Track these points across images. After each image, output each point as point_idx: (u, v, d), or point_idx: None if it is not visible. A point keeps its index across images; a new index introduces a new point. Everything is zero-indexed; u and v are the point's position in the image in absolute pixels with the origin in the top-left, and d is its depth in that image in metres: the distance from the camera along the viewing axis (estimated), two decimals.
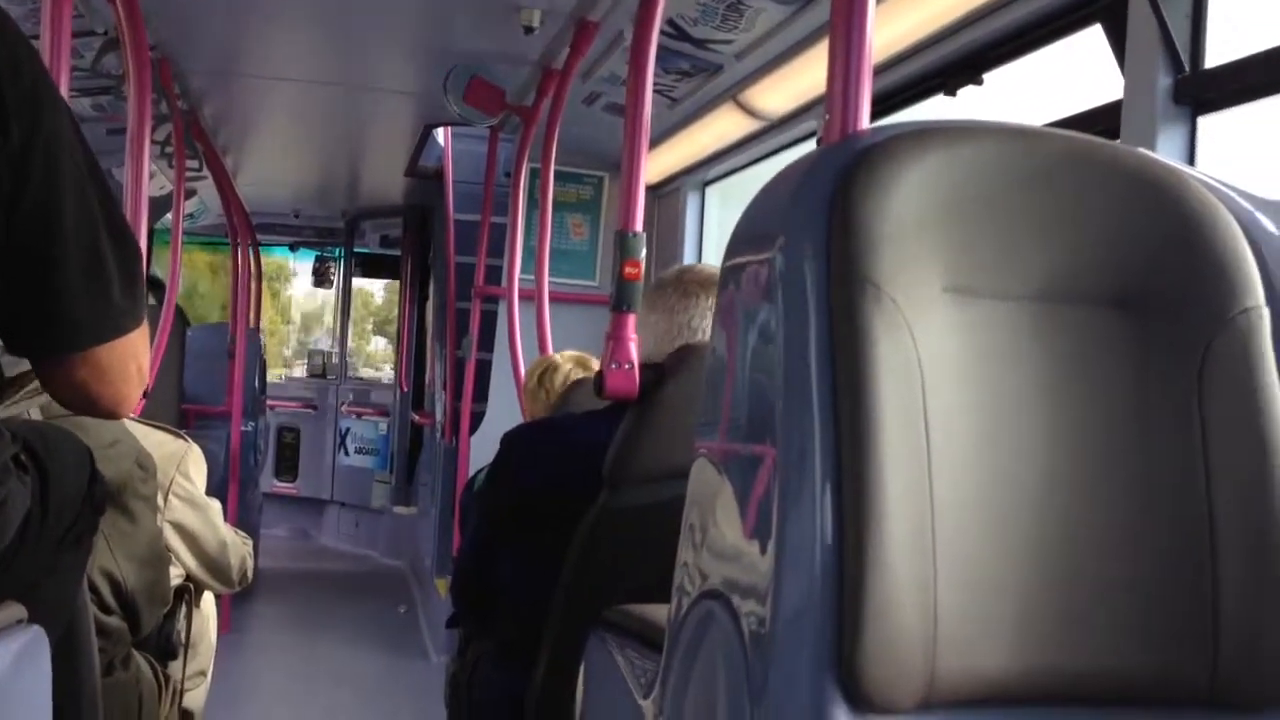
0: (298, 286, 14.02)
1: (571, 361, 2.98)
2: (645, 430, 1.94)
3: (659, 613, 1.36)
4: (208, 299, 11.25)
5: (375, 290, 13.54)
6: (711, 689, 1.14)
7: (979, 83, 2.74)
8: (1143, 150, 1.21)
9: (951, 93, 2.80)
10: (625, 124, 2.32)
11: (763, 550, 1.07)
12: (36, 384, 1.41)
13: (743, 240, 1.20)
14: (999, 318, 1.08)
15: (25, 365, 1.39)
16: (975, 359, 1.06)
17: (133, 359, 1.35)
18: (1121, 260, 1.10)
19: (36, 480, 1.36)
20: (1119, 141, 2.15)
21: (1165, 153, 2.05)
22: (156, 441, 2.41)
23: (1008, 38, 2.60)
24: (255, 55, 4.42)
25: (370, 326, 15.09)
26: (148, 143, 2.97)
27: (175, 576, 2.48)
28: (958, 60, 2.77)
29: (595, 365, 2.94)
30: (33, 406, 1.62)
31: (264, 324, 8.47)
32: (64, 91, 2.25)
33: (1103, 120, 2.27)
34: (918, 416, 1.03)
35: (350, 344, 10.21)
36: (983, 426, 1.06)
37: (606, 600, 1.72)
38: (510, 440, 2.18)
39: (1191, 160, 2.08)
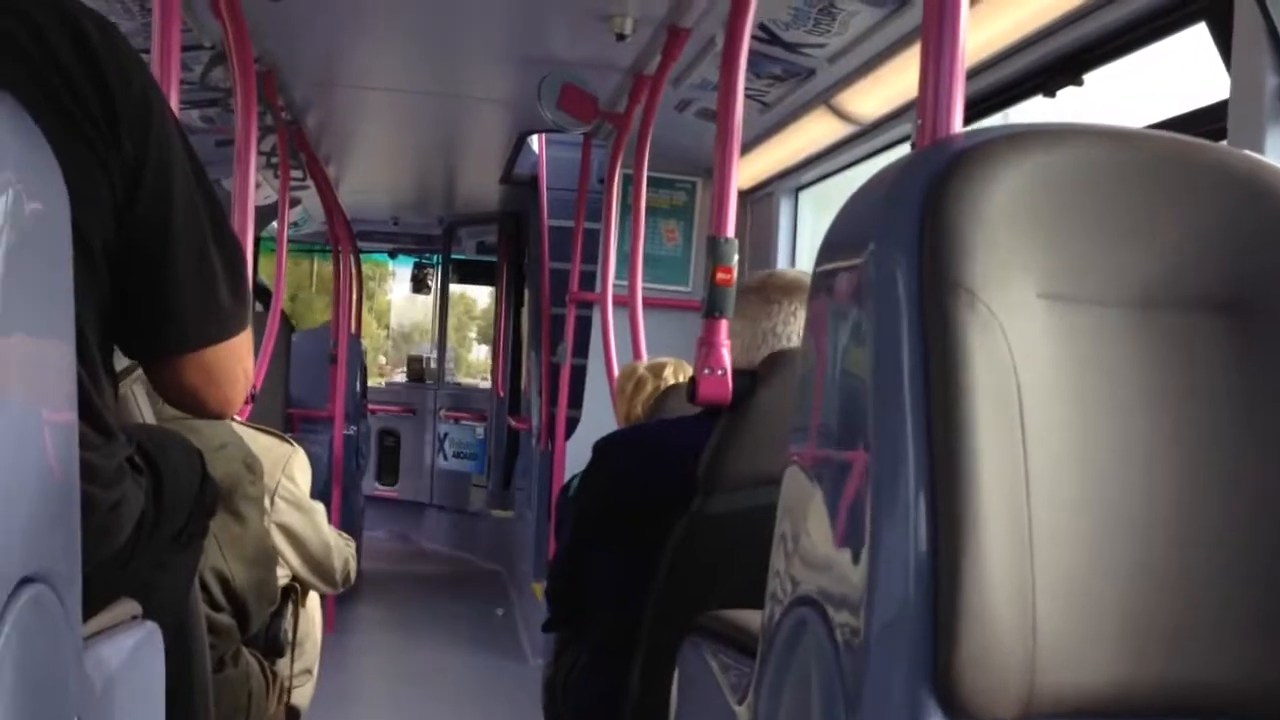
0: (397, 292, 14.21)
1: (648, 370, 3.00)
2: (738, 436, 1.94)
3: (753, 619, 1.36)
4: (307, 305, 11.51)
5: (479, 297, 13.63)
6: (805, 696, 1.14)
7: (1079, 83, 2.69)
8: (1249, 152, 1.18)
9: (1051, 94, 2.75)
10: (717, 129, 2.32)
11: (855, 558, 1.06)
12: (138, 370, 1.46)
13: (834, 246, 1.20)
14: (1097, 324, 1.06)
15: (127, 363, 1.45)
16: (1073, 366, 1.05)
17: (239, 361, 1.40)
18: (1226, 264, 1.08)
19: (151, 481, 1.40)
20: (1225, 142, 2.10)
21: (1275, 152, 1.99)
22: (263, 445, 2.48)
23: (1109, 37, 2.55)
24: (355, 67, 4.52)
25: (474, 334, 15.20)
26: (254, 154, 3.06)
27: (282, 577, 2.54)
28: (1057, 60, 2.73)
29: (669, 372, 2.95)
30: (135, 384, 1.69)
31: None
32: (173, 104, 2.32)
33: (1208, 121, 2.22)
34: (1014, 423, 1.01)
35: (451, 352, 10.35)
36: (1081, 434, 1.04)
37: (700, 606, 1.73)
38: (603, 448, 2.19)
39: None
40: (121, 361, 1.41)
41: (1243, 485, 1.05)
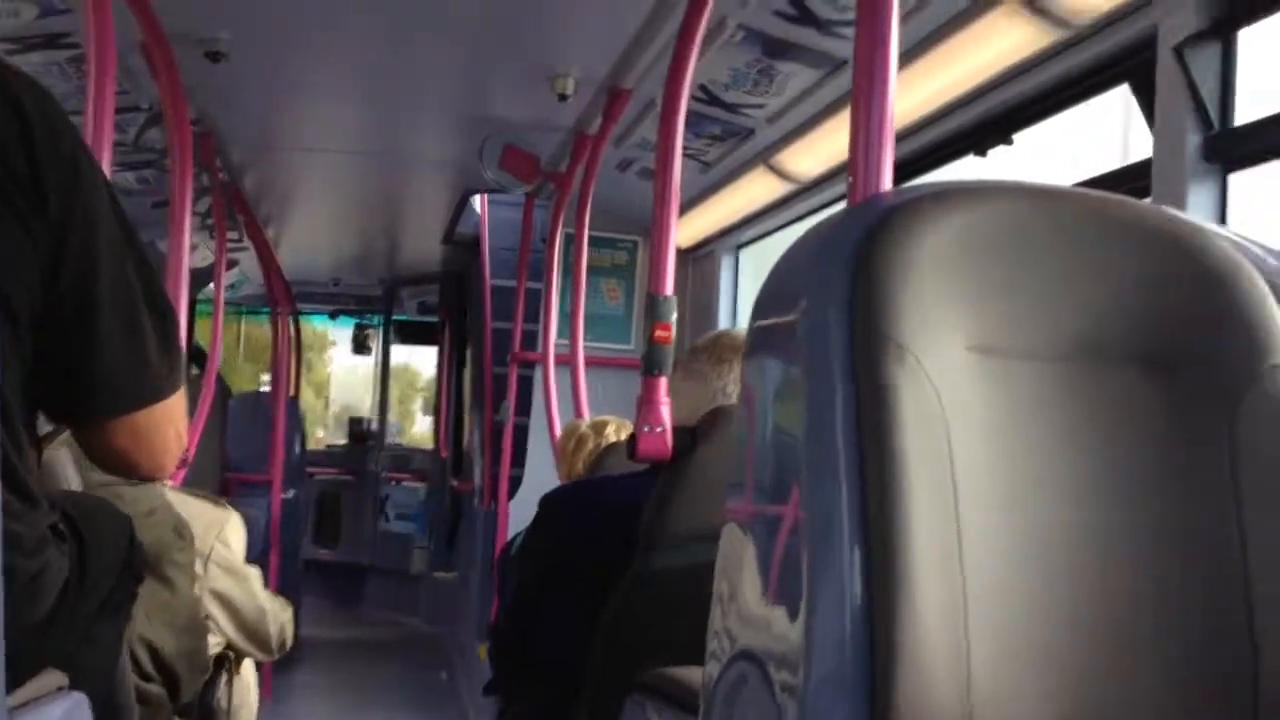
0: (338, 360, 14.03)
1: (589, 427, 3.01)
2: (678, 493, 1.94)
3: (695, 675, 1.35)
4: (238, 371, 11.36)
5: (424, 367, 13.45)
6: None
7: (1009, 143, 2.75)
8: (1166, 208, 1.21)
9: (982, 153, 2.81)
10: (655, 188, 2.34)
11: (792, 614, 1.06)
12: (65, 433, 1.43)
13: (768, 302, 1.21)
14: (1025, 376, 1.07)
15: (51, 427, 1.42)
16: (1002, 418, 1.06)
17: (170, 424, 1.38)
18: (1148, 318, 1.10)
19: (75, 549, 1.37)
20: (1150, 199, 2.15)
21: (1196, 210, 2.05)
22: (196, 510, 2.44)
23: (1038, 98, 2.62)
24: (295, 128, 4.52)
25: (418, 405, 15.03)
26: (189, 215, 3.04)
27: (215, 644, 2.49)
28: (988, 120, 2.79)
29: (611, 430, 2.95)
30: (62, 449, 1.65)
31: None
32: (107, 165, 2.31)
33: (1133, 178, 2.27)
34: (945, 476, 1.02)
35: (394, 425, 10.28)
36: (1012, 486, 1.05)
37: (643, 663, 1.71)
38: (547, 502, 2.19)
39: (1223, 217, 2.07)
40: (46, 426, 1.39)
41: (1169, 533, 1.07)
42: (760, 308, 1.21)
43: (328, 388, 15.06)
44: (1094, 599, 1.04)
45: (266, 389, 8.06)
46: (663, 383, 2.19)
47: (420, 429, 13.61)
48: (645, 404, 2.17)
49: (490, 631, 2.66)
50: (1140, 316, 1.10)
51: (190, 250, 3.15)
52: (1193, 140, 2.06)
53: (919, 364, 1.02)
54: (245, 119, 4.28)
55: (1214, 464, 1.07)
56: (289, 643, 2.80)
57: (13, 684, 1.18)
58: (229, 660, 2.61)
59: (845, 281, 1.05)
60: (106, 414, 1.33)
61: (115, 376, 1.31)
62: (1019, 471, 1.05)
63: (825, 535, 1.02)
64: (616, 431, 2.98)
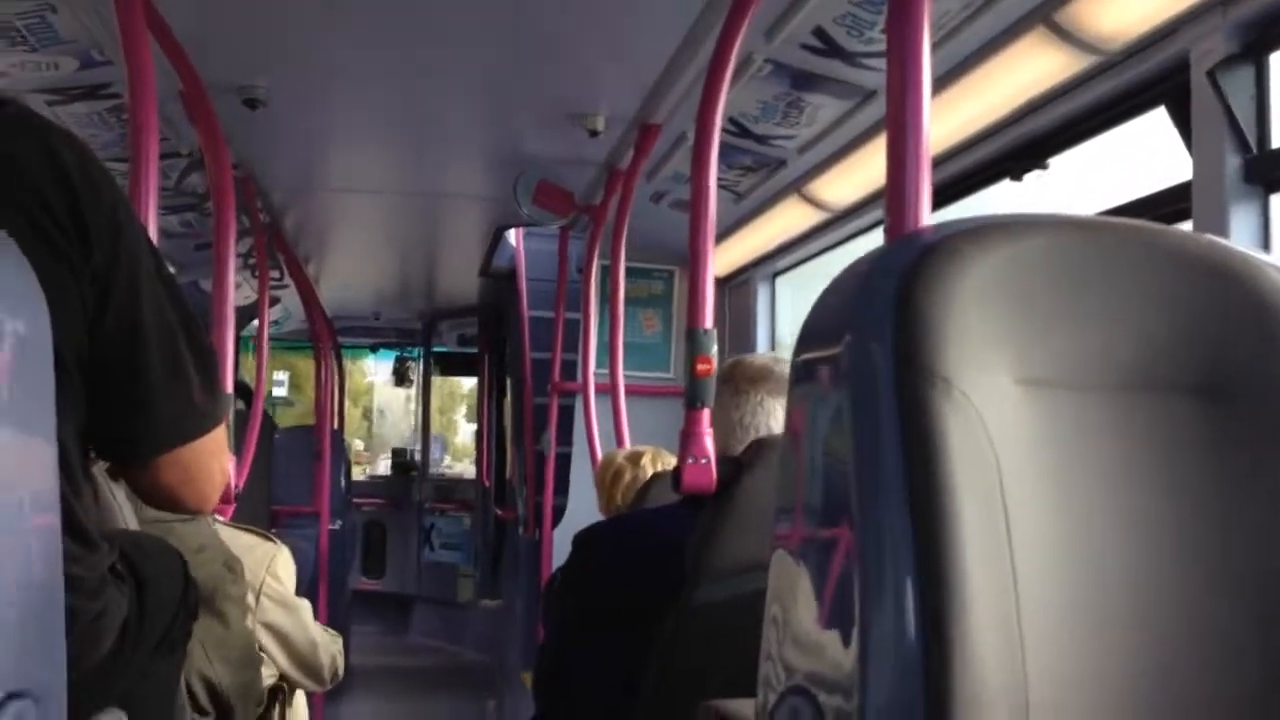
0: (381, 395, 14.12)
1: (626, 459, 3.01)
2: (725, 524, 1.95)
3: (747, 709, 1.35)
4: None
5: (466, 380, 13.55)
6: None
7: (1045, 167, 2.76)
8: (1209, 236, 1.22)
9: (1017, 178, 2.82)
10: (690, 223, 2.36)
11: (846, 641, 1.07)
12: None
13: (811, 336, 1.22)
14: (1073, 408, 1.08)
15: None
16: (1052, 450, 1.06)
17: (214, 457, 1.42)
18: (1196, 348, 1.10)
19: (133, 588, 1.40)
20: (1190, 222, 2.14)
21: (1239, 231, 2.04)
22: (246, 544, 2.47)
23: (1072, 122, 2.62)
24: (332, 170, 4.59)
25: (462, 414, 15.09)
26: (232, 256, 3.09)
27: (268, 676, 2.52)
28: (1023, 146, 2.79)
29: (648, 460, 2.96)
30: (116, 487, 1.69)
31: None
32: (151, 210, 2.36)
33: (1173, 201, 2.27)
34: (997, 509, 1.03)
35: (438, 440, 10.32)
36: (1064, 518, 1.05)
37: (694, 697, 1.71)
38: (582, 541, 2.19)
39: (1266, 238, 2.07)
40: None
41: (1225, 564, 1.06)
42: (804, 340, 1.23)
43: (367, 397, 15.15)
44: (1150, 629, 1.04)
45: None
46: (705, 415, 2.20)
47: (465, 439, 13.63)
48: (689, 436, 2.18)
49: (535, 663, 2.67)
50: (1189, 346, 1.10)
51: (234, 289, 3.21)
52: (1232, 162, 2.05)
53: (965, 397, 1.03)
54: (284, 162, 4.35)
55: (1269, 494, 1.07)
56: (340, 673, 2.83)
57: None
58: (283, 692, 2.63)
59: (889, 317, 1.06)
60: (153, 452, 1.37)
61: (161, 415, 1.35)
62: (1070, 502, 1.05)
63: (878, 565, 1.03)
64: (653, 462, 2.99)
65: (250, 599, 2.38)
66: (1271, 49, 2.05)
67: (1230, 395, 1.09)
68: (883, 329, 1.07)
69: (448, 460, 10.63)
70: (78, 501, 1.27)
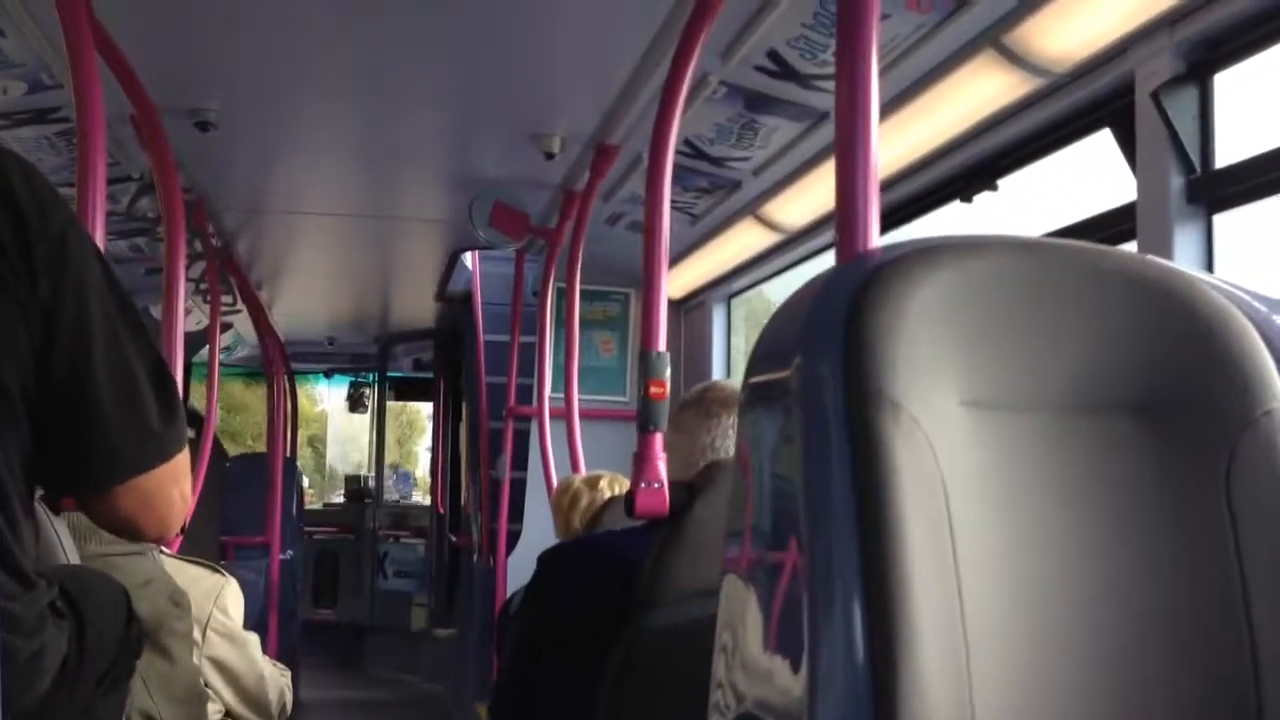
0: (335, 422, 13.96)
1: (585, 484, 3.00)
2: (677, 548, 1.94)
3: None
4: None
5: (425, 405, 13.42)
6: None
7: (994, 188, 2.78)
8: (1152, 257, 1.23)
9: (967, 199, 2.84)
10: (644, 244, 2.36)
11: (794, 669, 1.06)
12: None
13: (762, 358, 1.22)
14: (1019, 429, 1.08)
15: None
16: (998, 471, 1.06)
17: (175, 484, 1.38)
18: (1138, 368, 1.11)
19: (73, 625, 1.37)
20: (1135, 242, 2.17)
21: (1183, 251, 2.07)
22: (193, 576, 2.42)
23: (1020, 144, 2.65)
24: (285, 192, 4.55)
25: (425, 445, 14.95)
26: (182, 281, 3.05)
27: (214, 713, 2.47)
28: (973, 167, 2.82)
29: (605, 485, 2.95)
30: (58, 522, 1.65)
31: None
32: (100, 235, 2.32)
33: (1118, 222, 2.30)
34: (943, 531, 1.02)
35: (396, 475, 10.24)
36: (1010, 539, 1.05)
37: None
38: (545, 560, 2.18)
39: (1210, 257, 2.09)
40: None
41: (1168, 581, 1.07)
42: (754, 363, 1.22)
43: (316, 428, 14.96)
44: (1095, 649, 1.04)
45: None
46: (658, 439, 2.19)
47: (423, 473, 13.55)
48: (642, 460, 2.17)
49: (492, 691, 2.63)
50: (1133, 366, 1.11)
51: (185, 315, 3.16)
52: (1176, 183, 2.08)
53: (913, 420, 1.03)
54: (236, 185, 4.31)
55: (1211, 511, 1.08)
56: (289, 708, 2.78)
57: None
58: None
59: (838, 339, 1.06)
60: (110, 482, 1.33)
61: (118, 445, 1.31)
62: (1016, 522, 1.06)
63: (826, 588, 1.03)
64: (610, 485, 2.97)
65: (197, 634, 2.34)
66: (1216, 69, 2.08)
67: (1171, 415, 1.10)
68: (832, 351, 1.07)
69: (416, 496, 10.49)
70: (15, 538, 1.24)
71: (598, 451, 3.95)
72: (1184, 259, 2.04)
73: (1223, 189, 2.07)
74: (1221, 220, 2.09)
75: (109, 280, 1.33)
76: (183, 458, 1.39)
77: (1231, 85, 2.09)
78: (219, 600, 2.48)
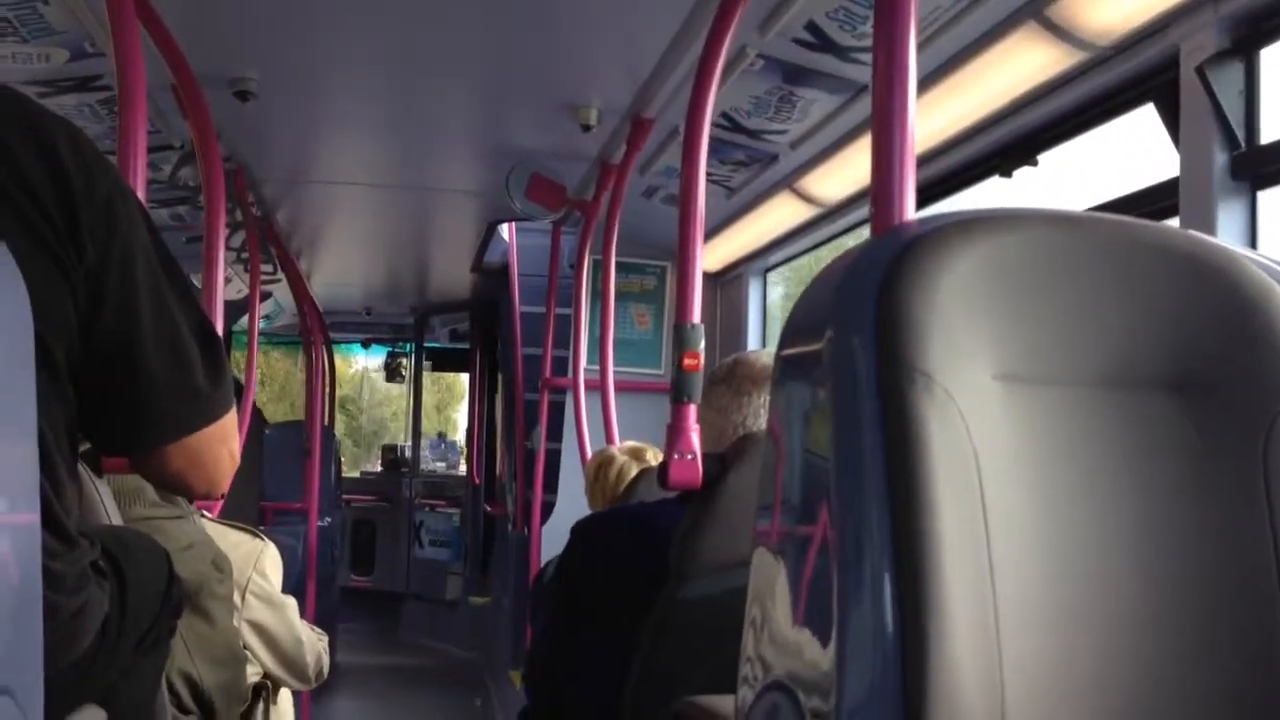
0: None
1: (627, 454, 3.00)
2: (710, 520, 1.94)
3: (729, 704, 1.35)
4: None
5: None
6: None
7: (1034, 164, 2.75)
8: (1193, 232, 1.21)
9: (1007, 174, 2.82)
10: (680, 217, 2.35)
11: (824, 640, 1.06)
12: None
13: (795, 330, 1.22)
14: (1053, 404, 1.08)
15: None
16: (1031, 446, 1.06)
17: (223, 443, 1.41)
18: (1176, 344, 1.10)
19: (115, 585, 1.39)
20: (1178, 218, 2.14)
21: (1226, 228, 2.04)
22: (233, 541, 2.46)
23: (1062, 119, 2.62)
24: (324, 163, 4.57)
25: (464, 411, 14.99)
26: (222, 250, 3.08)
27: (252, 674, 2.51)
28: (1012, 142, 2.79)
29: (650, 456, 2.95)
30: (101, 484, 1.68)
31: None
32: (141, 203, 2.34)
33: (1161, 198, 2.27)
34: (975, 505, 1.02)
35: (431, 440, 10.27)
36: (1042, 513, 1.05)
37: (676, 692, 1.71)
38: (579, 531, 2.19)
39: (1253, 234, 2.07)
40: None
41: (1202, 557, 1.06)
42: (788, 335, 1.22)
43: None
44: (1127, 624, 1.04)
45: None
46: (692, 410, 2.19)
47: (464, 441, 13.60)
48: (675, 431, 2.18)
49: (525, 659, 2.66)
50: (1169, 341, 1.10)
51: (225, 284, 3.19)
52: (1219, 159, 2.05)
53: (946, 393, 1.03)
54: (276, 155, 4.33)
55: (1246, 488, 1.07)
56: (325, 672, 2.82)
57: None
58: (266, 690, 2.62)
59: (871, 311, 1.06)
60: (160, 441, 1.36)
61: (166, 406, 1.34)
62: (1048, 497, 1.05)
63: (856, 561, 1.03)
64: (636, 458, 2.98)
65: (236, 597, 2.37)
66: (1262, 44, 2.05)
67: (1208, 391, 1.09)
68: (865, 324, 1.06)
69: (463, 465, 10.53)
70: (59, 498, 1.26)
71: (632, 423, 3.97)
72: (1227, 236, 2.01)
73: (1268, 165, 2.04)
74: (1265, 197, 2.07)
75: (155, 243, 1.35)
76: (230, 417, 1.42)
77: (1277, 60, 2.06)
78: (258, 564, 2.52)
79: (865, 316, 1.07)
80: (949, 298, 1.06)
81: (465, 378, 11.50)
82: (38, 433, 1.12)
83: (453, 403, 15.65)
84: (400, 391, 11.61)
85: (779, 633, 1.17)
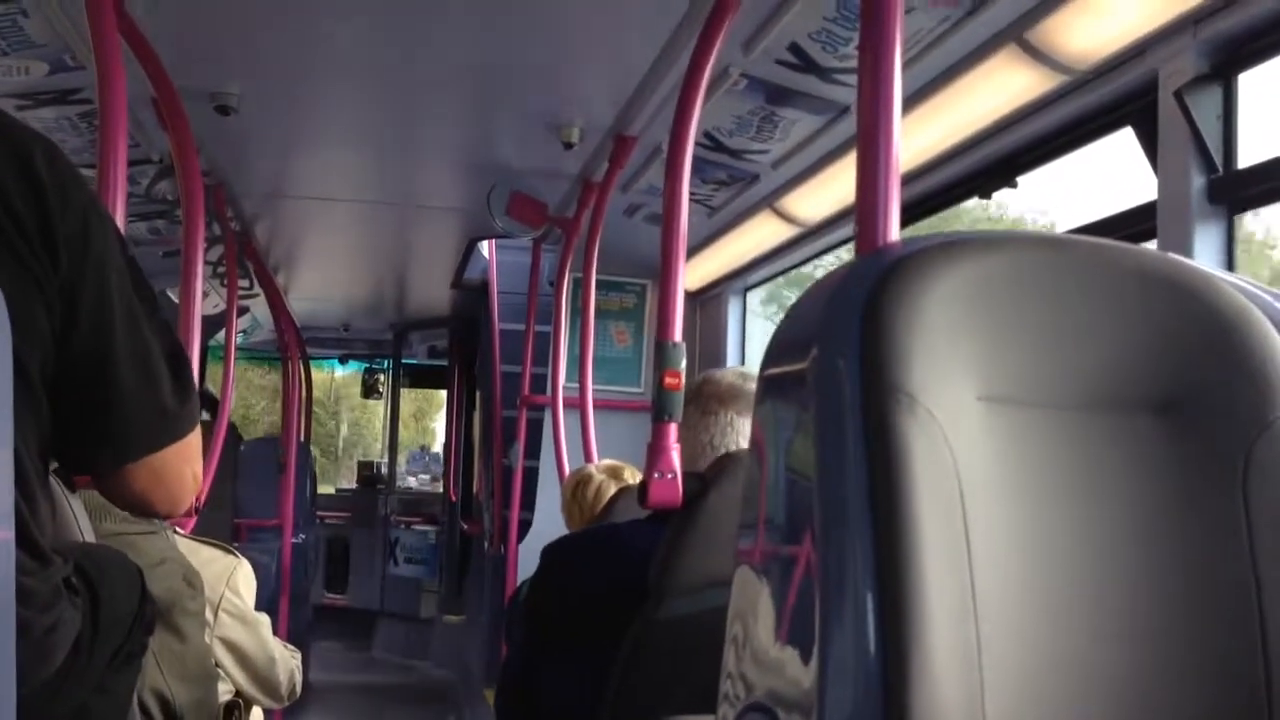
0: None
1: (605, 473, 3.00)
2: (690, 539, 1.94)
3: None
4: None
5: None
6: None
7: (1014, 185, 2.77)
8: (1173, 255, 1.22)
9: (986, 195, 2.83)
10: (663, 234, 2.36)
11: (805, 659, 1.06)
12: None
13: (779, 349, 1.21)
14: (1036, 426, 1.08)
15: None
16: (1014, 468, 1.06)
17: (186, 463, 1.40)
18: (1157, 366, 1.11)
19: (88, 602, 1.38)
20: (1155, 241, 2.16)
21: (1203, 251, 2.06)
22: (206, 557, 2.44)
23: (1041, 141, 2.64)
24: (304, 178, 4.56)
25: (440, 420, 14.92)
26: (200, 265, 3.06)
27: (224, 692, 2.48)
28: (992, 164, 2.81)
29: (629, 475, 2.95)
30: (74, 500, 1.66)
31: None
32: (121, 216, 2.33)
33: (1138, 221, 2.29)
34: (958, 525, 1.02)
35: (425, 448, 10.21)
36: (1023, 534, 1.05)
37: (654, 712, 1.70)
38: (551, 552, 2.18)
39: (1230, 257, 2.08)
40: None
41: (1182, 581, 1.06)
42: (772, 354, 1.22)
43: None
44: (1107, 644, 1.04)
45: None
46: (673, 429, 2.19)
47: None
48: (656, 450, 2.17)
49: (498, 678, 2.64)
50: (1150, 364, 1.10)
51: (202, 298, 3.17)
52: (1197, 182, 2.07)
53: (930, 414, 1.03)
54: (255, 170, 4.32)
55: (1226, 511, 1.07)
56: (298, 690, 2.79)
57: None
58: (238, 708, 2.59)
59: (855, 331, 1.06)
60: (124, 459, 1.35)
61: (133, 425, 1.33)
62: (1031, 519, 1.05)
63: (839, 581, 1.03)
64: (614, 477, 2.97)
65: (209, 614, 2.35)
66: (1240, 69, 2.07)
67: (1189, 413, 1.10)
68: (849, 344, 1.06)
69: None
70: (33, 514, 1.25)
71: (610, 442, 3.96)
72: (1204, 259, 2.02)
73: (1245, 189, 2.06)
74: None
75: (129, 261, 1.35)
76: (195, 437, 1.40)
77: (1255, 86, 2.08)
78: (231, 581, 2.50)
79: (850, 336, 1.07)
80: (933, 319, 1.06)
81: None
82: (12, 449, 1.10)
83: (431, 411, 15.59)
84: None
85: (761, 650, 1.16)
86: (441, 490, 9.03)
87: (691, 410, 2.08)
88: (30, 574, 1.22)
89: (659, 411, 2.23)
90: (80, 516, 1.74)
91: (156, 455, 1.35)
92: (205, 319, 4.11)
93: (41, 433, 1.27)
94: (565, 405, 4.28)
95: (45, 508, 1.30)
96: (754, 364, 3.68)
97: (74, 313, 1.27)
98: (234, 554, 2.58)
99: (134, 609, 1.51)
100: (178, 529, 2.53)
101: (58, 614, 1.29)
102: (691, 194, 2.92)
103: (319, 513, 8.02)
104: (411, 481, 10.18)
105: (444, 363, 9.00)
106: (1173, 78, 2.10)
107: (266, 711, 2.90)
